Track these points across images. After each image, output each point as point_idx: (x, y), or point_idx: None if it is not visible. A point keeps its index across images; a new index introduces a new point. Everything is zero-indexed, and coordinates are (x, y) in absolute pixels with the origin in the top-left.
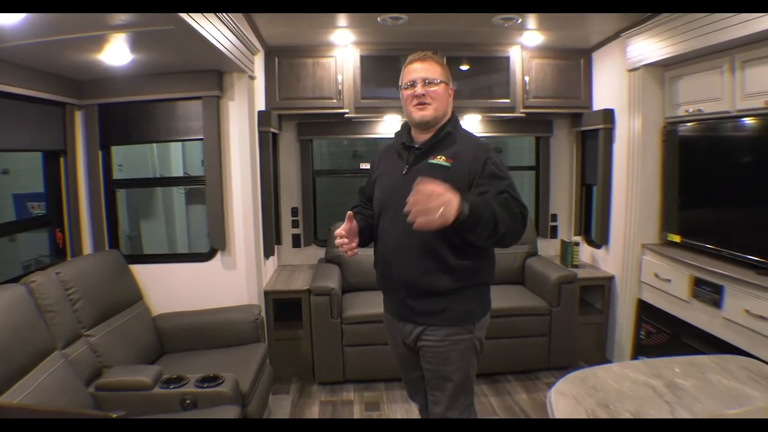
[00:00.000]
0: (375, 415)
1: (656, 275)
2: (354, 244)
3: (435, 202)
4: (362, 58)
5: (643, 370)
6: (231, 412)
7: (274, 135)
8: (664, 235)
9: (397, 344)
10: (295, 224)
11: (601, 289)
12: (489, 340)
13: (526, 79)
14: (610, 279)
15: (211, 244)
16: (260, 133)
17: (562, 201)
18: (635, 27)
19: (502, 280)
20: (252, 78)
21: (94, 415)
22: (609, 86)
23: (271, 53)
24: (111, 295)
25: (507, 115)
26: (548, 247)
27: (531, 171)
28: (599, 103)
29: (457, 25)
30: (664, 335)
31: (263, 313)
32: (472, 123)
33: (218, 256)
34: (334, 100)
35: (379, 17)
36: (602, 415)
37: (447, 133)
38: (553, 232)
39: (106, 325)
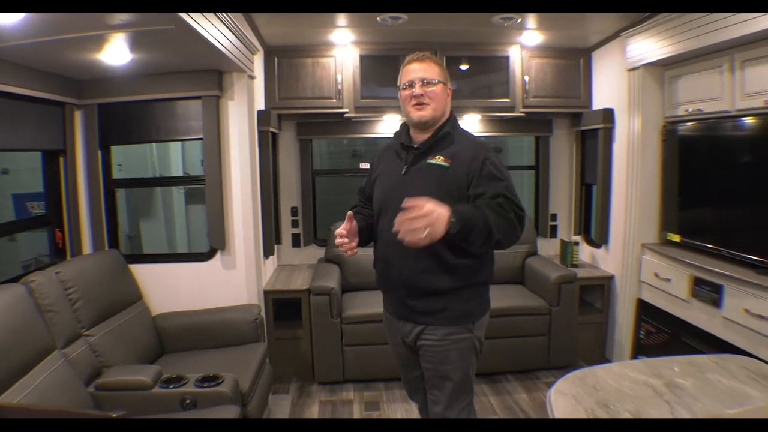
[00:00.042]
0: (375, 414)
1: (656, 275)
2: (354, 244)
3: (421, 222)
4: (362, 58)
5: (642, 369)
6: (231, 412)
7: (274, 135)
8: (663, 234)
9: (396, 343)
10: (294, 224)
11: (600, 288)
12: (489, 340)
13: (526, 78)
14: (610, 279)
15: (211, 244)
16: (260, 132)
17: (562, 200)
18: (635, 26)
19: (501, 279)
20: (252, 78)
21: (94, 414)
22: (609, 86)
23: (270, 53)
24: (111, 295)
25: (507, 115)
26: (548, 247)
27: (531, 170)
28: (599, 102)
29: (457, 25)
30: (663, 335)
31: (263, 313)
32: (472, 122)
33: (218, 255)
34: (334, 100)
35: (379, 17)
36: (602, 414)
37: (445, 133)
38: (553, 232)
39: (105, 324)
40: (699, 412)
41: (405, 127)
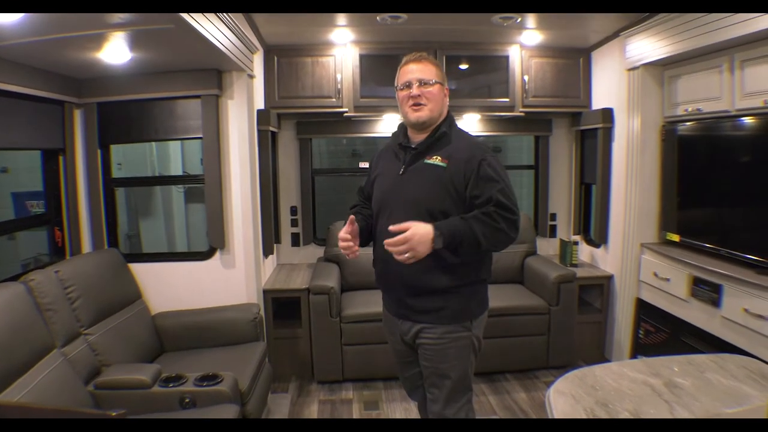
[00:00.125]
0: (374, 414)
1: (655, 274)
2: (357, 247)
3: (402, 247)
4: (361, 57)
5: (641, 369)
6: (230, 411)
7: (273, 134)
8: (663, 234)
9: (395, 341)
10: (294, 223)
11: (600, 288)
12: (488, 340)
13: (526, 78)
14: (609, 278)
15: (210, 243)
16: (259, 131)
17: (561, 200)
18: (634, 26)
19: (501, 279)
20: (251, 77)
21: (93, 413)
22: (608, 85)
23: (270, 52)
24: (110, 294)
25: (506, 114)
26: (547, 247)
27: (530, 170)
28: (598, 102)
29: (457, 25)
30: (662, 334)
31: (262, 312)
32: (472, 122)
33: (217, 254)
34: (334, 99)
35: (379, 16)
36: (601, 414)
37: (442, 134)
38: (552, 232)
39: (105, 323)
40: (698, 411)
41: (403, 128)
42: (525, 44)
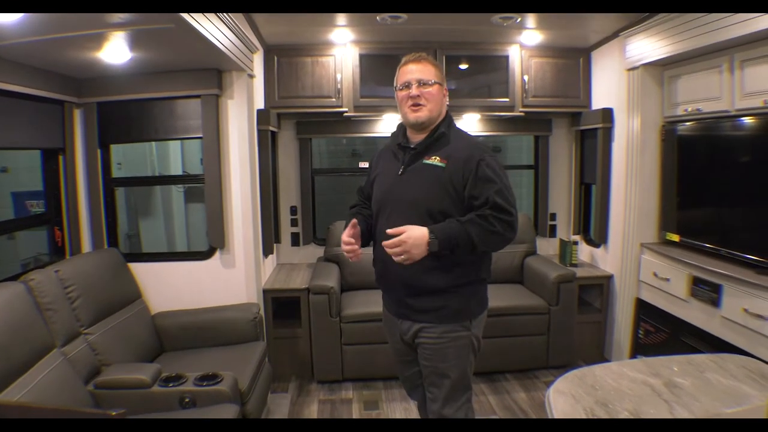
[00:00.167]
0: (374, 413)
1: (655, 274)
2: (360, 250)
3: (397, 249)
4: (361, 57)
5: (641, 368)
6: (230, 411)
7: (273, 134)
8: (662, 234)
9: (395, 341)
10: (294, 223)
11: (599, 288)
12: (487, 339)
13: (525, 78)
14: (609, 278)
15: (210, 243)
16: (259, 131)
17: (561, 200)
18: (634, 26)
19: (500, 279)
20: (251, 76)
21: (93, 413)
22: (608, 85)
23: (270, 52)
24: (110, 294)
25: (506, 114)
26: (547, 246)
27: (530, 170)
28: (598, 102)
29: (457, 24)
30: (662, 334)
31: (262, 312)
32: (471, 122)
33: (217, 254)
34: (333, 99)
35: (379, 16)
36: (601, 413)
37: (441, 134)
38: (552, 231)
39: (105, 323)
40: (698, 411)
41: (402, 128)
42: (525, 44)
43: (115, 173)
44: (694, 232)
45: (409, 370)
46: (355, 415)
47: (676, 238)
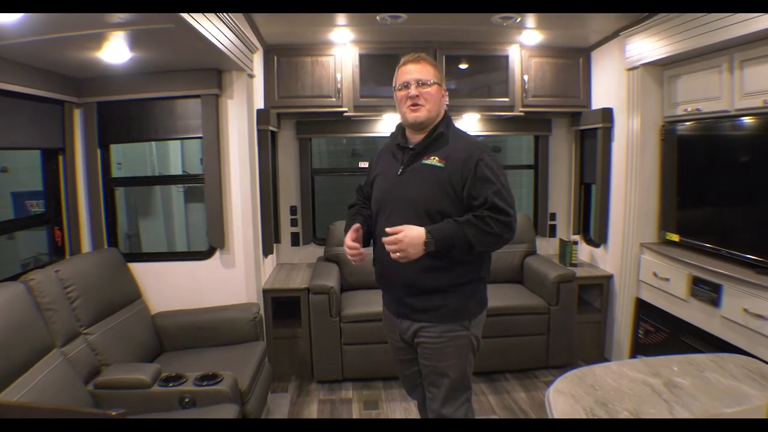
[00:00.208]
0: (374, 413)
1: (655, 274)
2: (365, 253)
3: (394, 247)
4: (361, 57)
5: (641, 368)
6: (230, 411)
7: (273, 133)
8: (662, 234)
9: (395, 340)
10: (293, 223)
11: (599, 287)
12: (487, 339)
13: (525, 77)
14: (609, 278)
15: (210, 243)
16: (259, 131)
17: (561, 200)
18: (634, 26)
19: (500, 278)
20: (251, 76)
21: (93, 413)
22: (608, 85)
23: (270, 51)
24: (110, 294)
25: (506, 114)
26: (547, 246)
27: (530, 170)
28: (598, 102)
29: (456, 24)
30: (662, 334)
31: (262, 312)
32: (471, 122)
33: (217, 254)
34: (333, 99)
35: (379, 16)
36: (601, 413)
37: (440, 134)
38: (552, 231)
39: (104, 323)
40: (697, 411)
41: (401, 128)
42: (525, 44)
43: (115, 173)
44: (694, 231)
45: (408, 369)
46: (355, 415)
47: (675, 237)
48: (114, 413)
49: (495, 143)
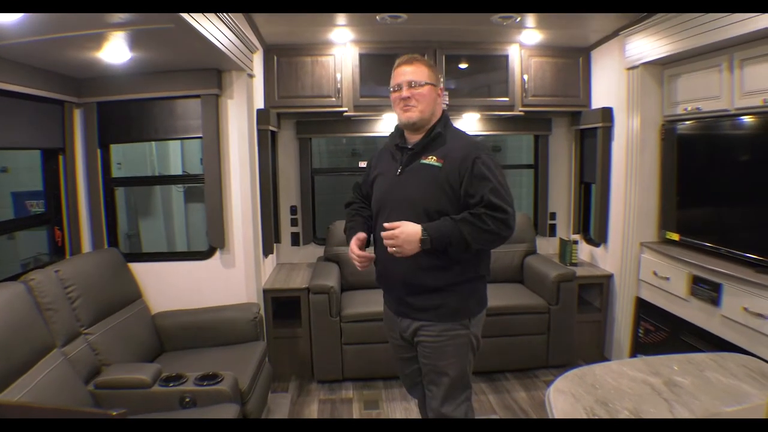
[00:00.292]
0: (374, 413)
1: (655, 273)
2: (373, 255)
3: (390, 242)
4: (361, 57)
5: (641, 368)
6: (230, 411)
7: (273, 133)
8: (662, 233)
9: (395, 338)
10: (294, 222)
11: (599, 287)
12: (487, 339)
13: (525, 77)
14: (609, 277)
15: (210, 243)
16: (259, 131)
17: (561, 199)
18: (634, 25)
19: (500, 278)
20: (251, 76)
21: (94, 413)
22: (608, 84)
23: (270, 51)
24: (110, 294)
25: (506, 114)
26: (547, 246)
27: (530, 169)
28: (598, 101)
29: (456, 24)
30: (662, 333)
31: (262, 312)
32: (471, 121)
33: (217, 254)
34: (333, 99)
35: (378, 16)
36: (601, 412)
37: (437, 134)
38: (552, 231)
39: (105, 323)
40: (697, 410)
41: (399, 129)
42: (524, 43)
43: (115, 173)
44: (694, 231)
45: (408, 367)
46: (355, 415)
47: (675, 237)
48: (114, 413)
49: (495, 143)
